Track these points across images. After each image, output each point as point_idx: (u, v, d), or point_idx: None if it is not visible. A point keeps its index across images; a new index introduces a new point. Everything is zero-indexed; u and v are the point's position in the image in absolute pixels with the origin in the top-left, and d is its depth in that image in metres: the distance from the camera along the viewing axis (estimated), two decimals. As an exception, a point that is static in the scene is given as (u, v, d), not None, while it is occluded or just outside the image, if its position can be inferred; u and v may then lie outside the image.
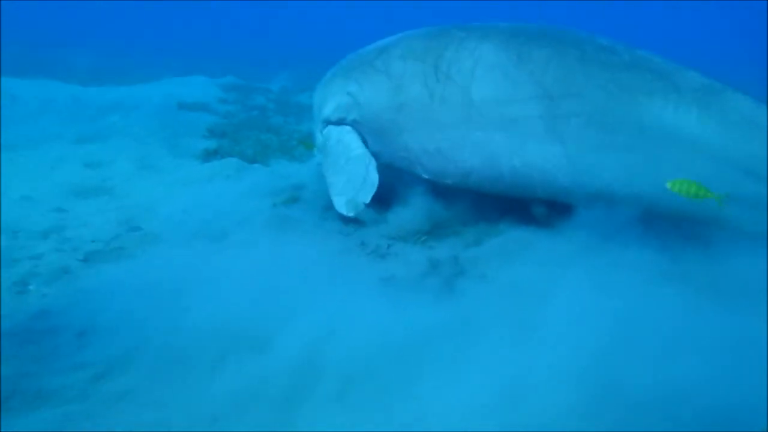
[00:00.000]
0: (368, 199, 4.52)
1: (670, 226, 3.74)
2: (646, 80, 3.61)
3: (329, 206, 4.86)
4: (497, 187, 4.17)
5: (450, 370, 2.61)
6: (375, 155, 4.71)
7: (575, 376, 2.47)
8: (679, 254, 3.72)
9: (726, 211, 3.38)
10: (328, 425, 2.36)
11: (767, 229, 3.43)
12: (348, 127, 4.79)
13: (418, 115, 4.30)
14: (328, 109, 4.89)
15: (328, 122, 4.93)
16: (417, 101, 4.30)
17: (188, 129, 8.35)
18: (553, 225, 4.25)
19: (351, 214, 4.51)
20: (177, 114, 9.00)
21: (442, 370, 2.60)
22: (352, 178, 4.60)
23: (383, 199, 5.01)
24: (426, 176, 4.48)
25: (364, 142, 4.74)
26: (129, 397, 2.67)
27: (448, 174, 4.32)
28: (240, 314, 3.06)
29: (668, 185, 3.47)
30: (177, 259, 3.93)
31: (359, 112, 4.67)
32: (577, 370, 2.47)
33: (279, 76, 15.07)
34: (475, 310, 3.10)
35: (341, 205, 4.56)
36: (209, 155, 6.95)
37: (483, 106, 3.99)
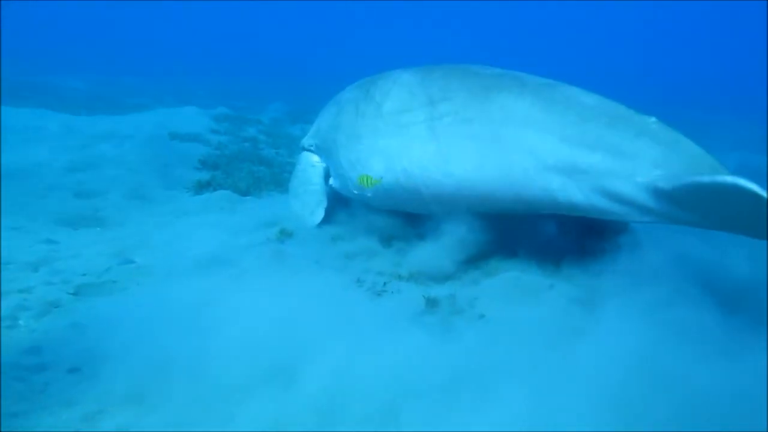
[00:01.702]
0: (310, 227, 5.26)
1: (672, 269, 3.73)
2: (501, 81, 4.14)
3: (323, 240, 4.86)
4: (399, 193, 4.55)
5: (465, 406, 2.58)
6: (336, 186, 5.40)
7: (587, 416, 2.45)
8: (681, 298, 3.70)
9: (550, 179, 3.75)
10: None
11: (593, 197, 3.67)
12: (316, 160, 5.63)
13: (348, 131, 4.92)
14: (306, 137, 5.80)
15: (302, 148, 5.82)
16: (348, 119, 4.96)
17: (181, 160, 8.31)
18: (549, 266, 4.26)
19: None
20: (169, 144, 8.97)
21: (460, 407, 2.58)
22: (304, 206, 5.47)
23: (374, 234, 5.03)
24: (356, 191, 4.94)
25: (327, 174, 5.53)
26: (124, 438, 2.60)
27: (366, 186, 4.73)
28: (245, 349, 3.01)
29: (357, 181, 4.52)
30: (173, 293, 3.86)
31: (319, 137, 5.49)
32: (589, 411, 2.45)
33: (270, 108, 15.14)
34: (478, 349, 3.07)
35: (300, 220, 5.38)
36: (202, 187, 6.92)
37: (387, 117, 4.55)
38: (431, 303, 3.81)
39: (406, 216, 5.01)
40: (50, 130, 10.00)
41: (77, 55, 27.24)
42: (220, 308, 3.55)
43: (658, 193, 3.40)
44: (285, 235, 5.08)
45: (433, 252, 4.46)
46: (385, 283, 4.16)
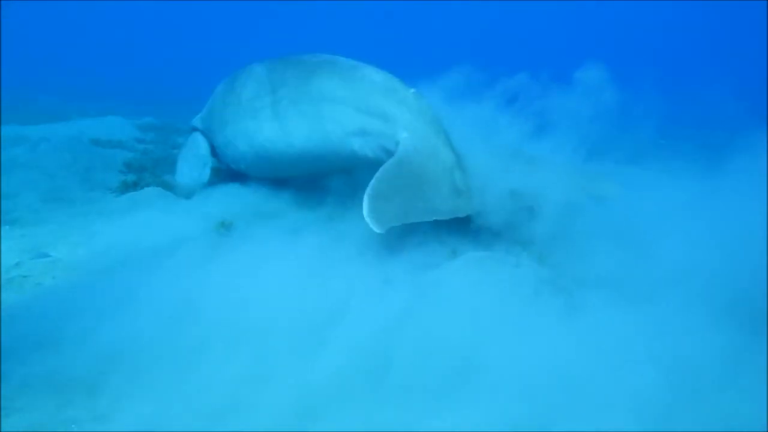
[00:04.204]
0: (198, 190, 6.00)
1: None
2: (320, 67, 4.91)
3: (266, 229, 4.51)
4: (261, 163, 5.52)
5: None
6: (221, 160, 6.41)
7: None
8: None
9: (352, 141, 4.58)
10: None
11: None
12: (201, 135, 6.57)
13: (219, 118, 5.94)
14: (194, 119, 6.74)
15: (192, 127, 6.81)
16: (218, 108, 5.98)
17: (103, 163, 7.67)
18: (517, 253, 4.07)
19: (183, 196, 5.87)
20: (90, 149, 8.30)
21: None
22: (192, 168, 6.36)
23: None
24: (233, 166, 6.04)
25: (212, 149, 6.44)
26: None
27: (236, 159, 5.84)
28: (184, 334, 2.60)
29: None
30: (100, 283, 3.38)
31: (203, 123, 6.50)
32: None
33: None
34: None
35: (179, 186, 6.13)
36: (128, 187, 6.36)
37: (245, 103, 5.46)
38: (389, 283, 3.51)
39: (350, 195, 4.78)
40: (-49, 138, 9.10)
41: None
42: (160, 299, 3.12)
43: None
44: (224, 227, 4.64)
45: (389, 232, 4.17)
46: (335, 264, 3.79)
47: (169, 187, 6.11)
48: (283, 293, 3.00)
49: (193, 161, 6.46)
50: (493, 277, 3.46)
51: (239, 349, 2.54)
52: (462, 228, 4.55)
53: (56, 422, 2.22)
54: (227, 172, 6.48)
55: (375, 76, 4.61)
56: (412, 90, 4.41)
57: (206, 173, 6.24)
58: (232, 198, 5.58)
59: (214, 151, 6.46)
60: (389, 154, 4.34)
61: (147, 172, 7.27)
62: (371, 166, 4.45)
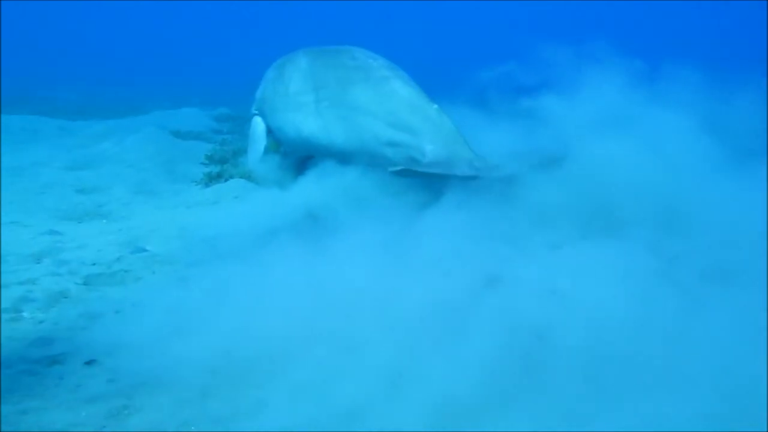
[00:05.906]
0: (279, 180, 6.13)
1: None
2: (356, 74, 5.32)
3: (359, 214, 4.46)
4: (307, 149, 5.87)
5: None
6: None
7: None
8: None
9: (385, 150, 4.93)
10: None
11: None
12: (260, 120, 6.65)
13: (270, 104, 6.22)
14: (253, 104, 6.86)
15: (252, 113, 6.87)
16: (270, 95, 6.22)
17: (185, 155, 7.87)
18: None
19: (266, 186, 6.13)
20: (171, 141, 8.50)
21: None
22: (254, 159, 6.53)
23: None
24: (288, 149, 6.29)
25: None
26: (160, 435, 2.13)
27: (288, 143, 6.11)
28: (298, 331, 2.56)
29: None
30: (200, 277, 3.41)
31: (257, 106, 6.66)
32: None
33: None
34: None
35: (249, 166, 6.57)
36: (212, 179, 6.47)
37: (292, 96, 5.79)
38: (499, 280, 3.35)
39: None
40: (46, 132, 9.58)
41: (65, 65, 26.71)
42: (269, 294, 3.09)
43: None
44: (311, 218, 4.61)
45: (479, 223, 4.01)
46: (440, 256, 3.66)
47: (254, 179, 6.15)
48: (402, 285, 2.90)
49: (254, 150, 6.71)
50: (612, 268, 3.24)
51: (377, 345, 2.47)
52: (554, 216, 4.35)
53: (175, 423, 2.21)
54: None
55: (403, 90, 5.11)
56: (435, 106, 4.89)
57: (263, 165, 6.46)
58: (316, 185, 5.53)
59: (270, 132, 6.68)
60: (417, 162, 4.89)
61: (228, 163, 7.38)
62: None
